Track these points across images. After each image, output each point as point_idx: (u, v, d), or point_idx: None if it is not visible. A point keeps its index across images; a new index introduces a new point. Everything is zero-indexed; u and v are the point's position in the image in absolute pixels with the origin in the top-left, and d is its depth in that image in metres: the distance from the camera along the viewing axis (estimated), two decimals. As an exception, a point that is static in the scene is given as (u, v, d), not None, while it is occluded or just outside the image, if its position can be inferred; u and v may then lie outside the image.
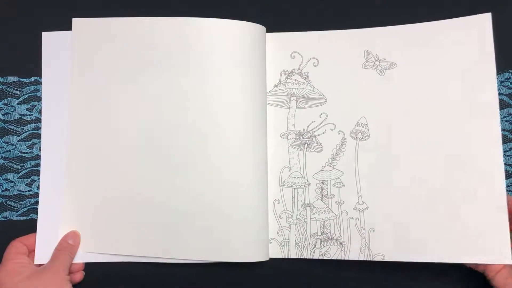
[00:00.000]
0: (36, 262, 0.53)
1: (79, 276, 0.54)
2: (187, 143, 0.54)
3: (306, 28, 0.58)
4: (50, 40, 0.57)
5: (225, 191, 0.53)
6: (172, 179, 0.54)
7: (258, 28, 0.56)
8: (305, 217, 0.55)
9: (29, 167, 0.57)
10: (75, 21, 0.56)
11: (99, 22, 0.56)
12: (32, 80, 0.58)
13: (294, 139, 0.56)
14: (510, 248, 0.51)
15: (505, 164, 0.58)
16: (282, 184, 0.55)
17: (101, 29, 0.55)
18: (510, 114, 0.58)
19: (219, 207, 0.53)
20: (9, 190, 0.56)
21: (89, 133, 0.55)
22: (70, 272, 0.53)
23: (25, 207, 0.56)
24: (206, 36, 0.54)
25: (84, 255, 0.54)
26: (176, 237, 0.53)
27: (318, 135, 0.56)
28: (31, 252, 0.54)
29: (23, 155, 0.57)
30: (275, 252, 0.55)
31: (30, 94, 0.57)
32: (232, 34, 0.54)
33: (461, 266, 0.54)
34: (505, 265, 0.51)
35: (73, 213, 0.54)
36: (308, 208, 0.55)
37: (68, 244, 0.53)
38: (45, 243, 0.54)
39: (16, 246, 0.52)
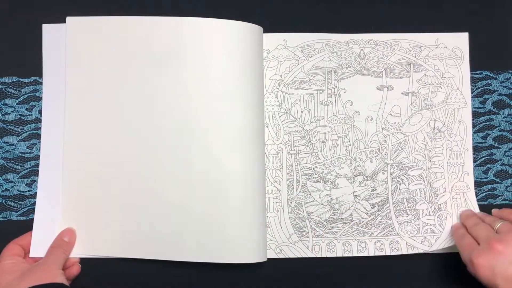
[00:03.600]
0: (31, 255, 0.52)
1: (75, 269, 0.53)
2: (185, 143, 0.52)
3: (304, 28, 0.57)
4: (51, 32, 0.55)
5: (222, 192, 0.52)
6: (169, 179, 0.52)
7: (255, 28, 0.54)
8: None
9: (29, 168, 0.55)
10: (70, 19, 0.54)
11: (94, 21, 0.54)
12: (32, 80, 0.56)
13: None
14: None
15: (505, 164, 0.57)
16: None
17: (96, 27, 0.53)
18: (510, 115, 0.58)
19: (216, 208, 0.52)
20: (9, 190, 0.55)
21: (85, 133, 0.53)
22: (65, 268, 0.52)
23: (25, 207, 0.55)
24: (202, 36, 0.52)
25: (79, 251, 0.53)
26: (174, 238, 0.52)
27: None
28: (27, 252, 0.52)
29: (23, 155, 0.56)
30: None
31: (29, 94, 0.56)
32: (228, 34, 0.52)
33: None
34: None
35: (70, 213, 0.53)
36: None
37: (63, 241, 0.52)
38: (41, 237, 0.53)
39: (11, 248, 0.51)
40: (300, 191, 0.55)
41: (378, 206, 0.56)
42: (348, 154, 0.56)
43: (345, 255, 0.55)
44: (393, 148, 0.57)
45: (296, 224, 0.55)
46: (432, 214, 0.56)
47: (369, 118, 0.57)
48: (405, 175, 0.56)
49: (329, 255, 0.55)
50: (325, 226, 0.55)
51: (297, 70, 0.57)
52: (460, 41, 0.57)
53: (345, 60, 0.57)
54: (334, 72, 0.57)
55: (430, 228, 0.55)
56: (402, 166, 0.56)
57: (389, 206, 0.56)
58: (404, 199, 0.56)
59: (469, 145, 0.56)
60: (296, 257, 0.55)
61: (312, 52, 0.57)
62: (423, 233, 0.55)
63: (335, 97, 0.57)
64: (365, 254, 0.55)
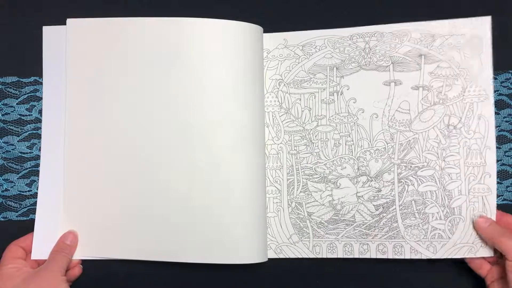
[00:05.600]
0: (33, 257, 0.50)
1: (77, 270, 0.51)
2: (186, 143, 0.50)
3: (305, 28, 0.55)
4: (51, 35, 0.53)
5: (223, 192, 0.50)
6: (169, 180, 0.50)
7: (255, 28, 0.52)
8: None
9: (29, 168, 0.53)
10: (70, 21, 0.52)
11: (94, 22, 0.52)
12: (32, 80, 0.55)
13: None
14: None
15: (505, 164, 0.55)
16: None
17: (96, 29, 0.51)
18: (510, 115, 0.55)
19: (216, 209, 0.50)
20: (9, 190, 0.53)
21: (85, 135, 0.51)
22: (67, 269, 0.50)
23: (25, 207, 0.53)
24: (202, 36, 0.50)
25: (81, 253, 0.51)
26: (176, 239, 0.50)
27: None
28: (28, 254, 0.50)
29: (23, 155, 0.54)
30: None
31: (29, 94, 0.54)
32: (228, 34, 0.50)
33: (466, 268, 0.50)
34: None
35: (72, 215, 0.51)
36: None
37: (65, 245, 0.50)
38: (42, 239, 0.51)
39: (12, 250, 0.49)
40: (300, 191, 0.52)
41: (383, 207, 0.51)
42: (351, 154, 0.52)
43: (346, 256, 0.50)
44: (400, 147, 0.51)
45: (297, 224, 0.52)
46: (443, 219, 0.50)
47: (374, 116, 0.51)
48: (414, 176, 0.50)
49: (329, 256, 0.51)
50: (326, 227, 0.51)
51: (297, 69, 0.53)
52: (480, 26, 0.49)
53: (349, 55, 0.52)
54: (336, 68, 0.52)
55: (439, 233, 0.49)
56: (411, 166, 0.50)
57: (395, 208, 0.50)
58: (413, 201, 0.50)
59: (492, 143, 0.49)
60: (296, 257, 0.52)
61: (313, 50, 0.53)
62: (430, 238, 0.49)
63: (338, 95, 0.52)
64: (367, 256, 0.50)
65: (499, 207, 0.52)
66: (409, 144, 0.51)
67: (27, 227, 0.52)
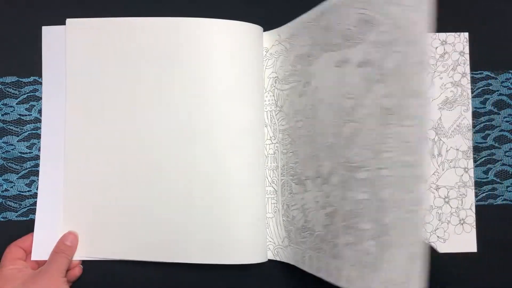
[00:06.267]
0: (33, 258, 0.59)
1: (77, 271, 0.60)
2: (187, 144, 0.58)
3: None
4: (50, 35, 0.62)
5: (222, 192, 0.58)
6: (172, 180, 0.59)
7: (255, 28, 0.53)
8: None
9: (29, 168, 0.60)
10: (69, 21, 0.62)
11: (93, 22, 0.59)
12: (31, 80, 0.58)
13: None
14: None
15: (505, 164, 0.55)
16: None
17: (95, 29, 0.62)
18: (510, 115, 0.56)
19: (216, 209, 0.58)
20: (8, 190, 0.60)
21: (85, 135, 0.60)
22: (67, 270, 0.58)
23: (25, 207, 0.59)
24: (202, 37, 0.60)
25: (81, 253, 0.59)
26: (174, 240, 0.58)
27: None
28: (28, 254, 0.57)
29: (22, 155, 0.58)
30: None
31: (29, 94, 0.59)
32: (228, 34, 0.57)
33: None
34: None
35: (72, 215, 0.55)
36: None
37: (66, 246, 0.53)
38: (42, 239, 0.58)
39: (12, 251, 0.60)
40: (289, 193, 0.55)
41: (330, 217, 0.46)
42: (313, 152, 0.49)
43: (309, 271, 0.48)
44: (345, 141, 0.43)
45: (287, 227, 0.56)
46: (374, 239, 0.38)
47: (329, 105, 0.46)
48: (353, 179, 0.42)
49: (300, 266, 0.49)
50: (300, 234, 0.52)
51: (286, 63, 0.58)
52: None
53: (314, 39, 0.49)
54: (308, 56, 0.51)
55: (371, 261, 0.37)
56: (351, 166, 0.43)
57: (337, 219, 0.43)
58: (350, 212, 0.42)
59: (429, 131, 0.40)
60: (288, 262, 0.55)
61: (296, 41, 0.54)
62: (362, 265, 0.38)
63: (308, 86, 0.51)
64: (321, 275, 0.46)
65: (500, 207, 0.58)
66: (351, 137, 0.43)
67: (27, 227, 0.62)
